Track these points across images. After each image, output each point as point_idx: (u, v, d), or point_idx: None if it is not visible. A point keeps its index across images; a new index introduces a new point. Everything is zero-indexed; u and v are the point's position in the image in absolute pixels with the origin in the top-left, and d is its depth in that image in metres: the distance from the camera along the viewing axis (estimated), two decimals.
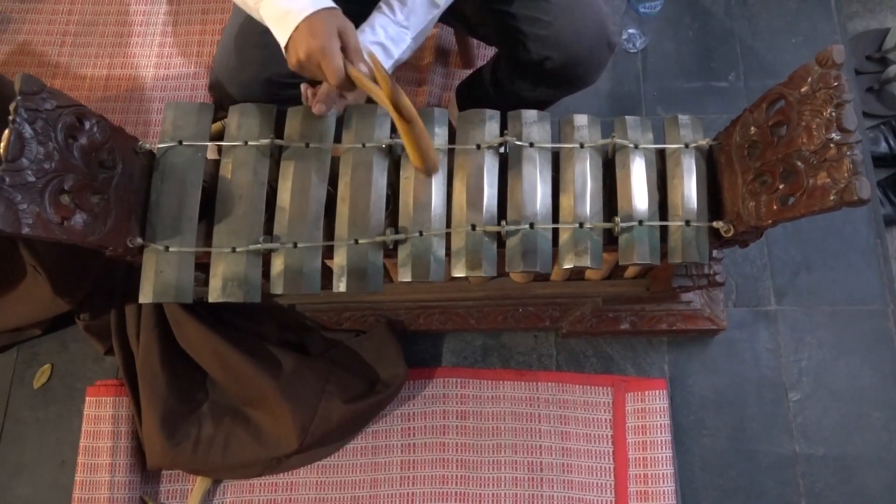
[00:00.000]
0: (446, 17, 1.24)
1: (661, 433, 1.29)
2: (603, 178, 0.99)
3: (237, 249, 0.93)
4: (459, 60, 1.62)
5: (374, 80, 0.84)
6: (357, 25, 0.98)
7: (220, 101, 1.09)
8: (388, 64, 1.02)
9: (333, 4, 0.89)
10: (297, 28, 0.87)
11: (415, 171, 0.95)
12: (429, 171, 0.90)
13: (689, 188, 0.96)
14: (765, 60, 1.61)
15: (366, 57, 0.86)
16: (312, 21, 0.86)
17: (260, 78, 1.03)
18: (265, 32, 1.04)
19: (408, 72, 1.61)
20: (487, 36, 1.26)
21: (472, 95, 1.39)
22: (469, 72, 1.48)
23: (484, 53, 1.60)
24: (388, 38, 1.00)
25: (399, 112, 0.83)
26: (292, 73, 1.04)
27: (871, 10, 1.84)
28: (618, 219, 0.94)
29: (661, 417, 1.30)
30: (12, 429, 1.37)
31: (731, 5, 1.66)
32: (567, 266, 0.94)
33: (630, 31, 1.59)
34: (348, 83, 0.86)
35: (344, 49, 0.86)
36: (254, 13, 0.95)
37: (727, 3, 1.67)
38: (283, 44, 0.89)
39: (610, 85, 1.60)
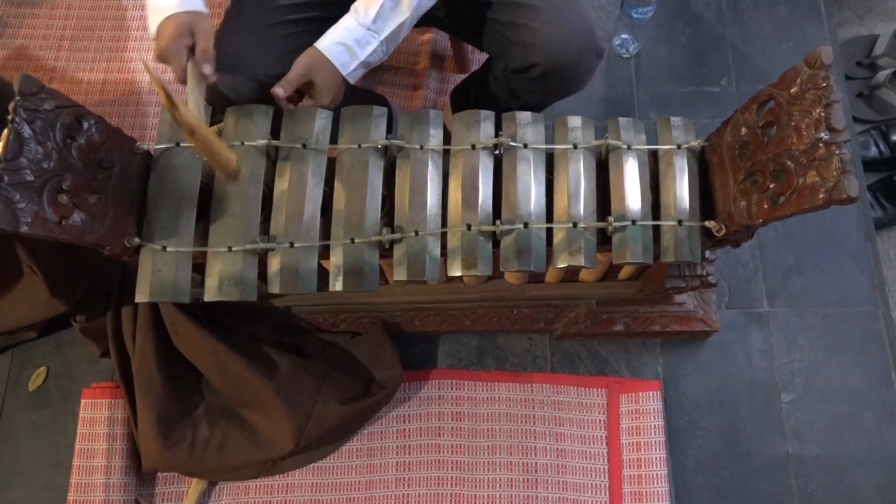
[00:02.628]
0: (436, 23, 1.26)
1: (654, 434, 1.30)
2: (596, 179, 1.00)
3: (233, 249, 0.94)
4: (454, 65, 1.63)
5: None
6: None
7: (212, 102, 1.10)
8: (353, 65, 1.03)
9: (201, 8, 0.97)
10: (160, 24, 0.95)
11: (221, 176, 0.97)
12: (228, 172, 0.95)
13: (681, 188, 0.97)
14: (756, 66, 1.63)
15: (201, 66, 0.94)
16: (169, 22, 0.95)
17: (251, 79, 1.04)
18: (255, 33, 1.06)
19: (403, 76, 1.62)
20: (477, 42, 1.27)
21: (466, 100, 1.40)
22: (464, 76, 1.49)
23: (479, 58, 1.61)
24: (354, 40, 1.03)
25: (179, 124, 0.88)
26: (282, 74, 1.06)
27: (861, 17, 1.86)
28: (611, 218, 0.95)
29: (654, 419, 1.31)
30: (7, 431, 1.36)
31: (723, 11, 1.68)
32: (561, 265, 0.95)
33: (623, 36, 1.61)
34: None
35: (192, 48, 0.94)
36: None
37: (719, 10, 1.69)
38: (151, 36, 0.98)
39: (603, 89, 1.62)
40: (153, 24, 0.96)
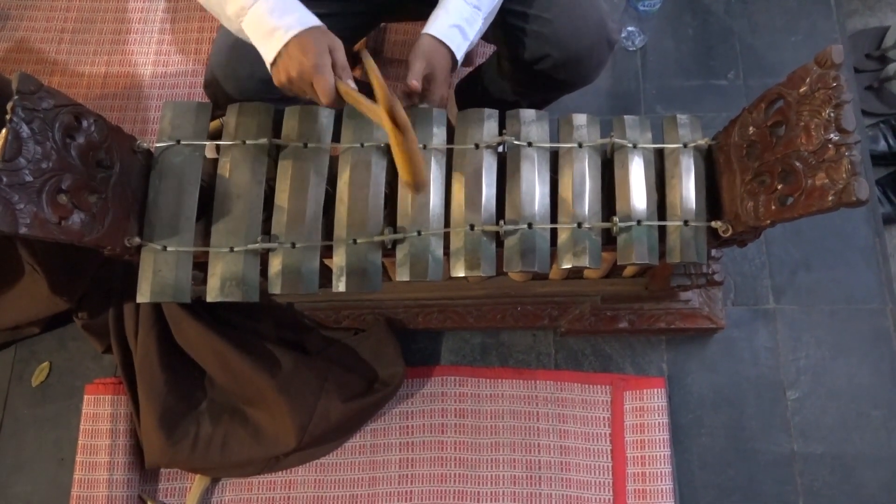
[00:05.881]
0: None
1: (659, 432, 1.29)
2: (601, 178, 0.99)
3: (235, 249, 0.93)
4: None
5: (366, 92, 0.82)
6: (368, 32, 0.97)
7: (216, 100, 1.09)
8: (465, 46, 0.99)
9: (320, 22, 0.89)
10: (286, 46, 0.86)
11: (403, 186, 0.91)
12: (418, 187, 0.88)
13: (687, 188, 0.96)
14: (764, 59, 1.61)
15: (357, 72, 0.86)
16: (303, 40, 0.86)
17: (255, 76, 1.03)
18: None
19: (407, 70, 1.60)
20: (487, 33, 1.26)
21: (471, 94, 1.39)
22: (469, 69, 1.47)
23: (484, 51, 1.60)
24: (464, 19, 0.99)
25: (394, 120, 0.82)
26: None
27: (871, 8, 1.83)
28: (616, 218, 0.94)
29: (659, 416, 1.30)
30: (11, 427, 1.37)
31: (731, 3, 1.66)
32: (565, 266, 0.95)
33: (629, 28, 1.59)
34: (339, 100, 0.86)
35: (333, 66, 0.86)
36: (231, 25, 0.93)
37: (727, 2, 1.66)
38: (269, 61, 0.89)
39: (609, 83, 1.60)
40: (274, 47, 0.87)
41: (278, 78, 0.89)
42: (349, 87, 0.85)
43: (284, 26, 0.86)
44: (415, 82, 0.94)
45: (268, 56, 0.89)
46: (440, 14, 0.99)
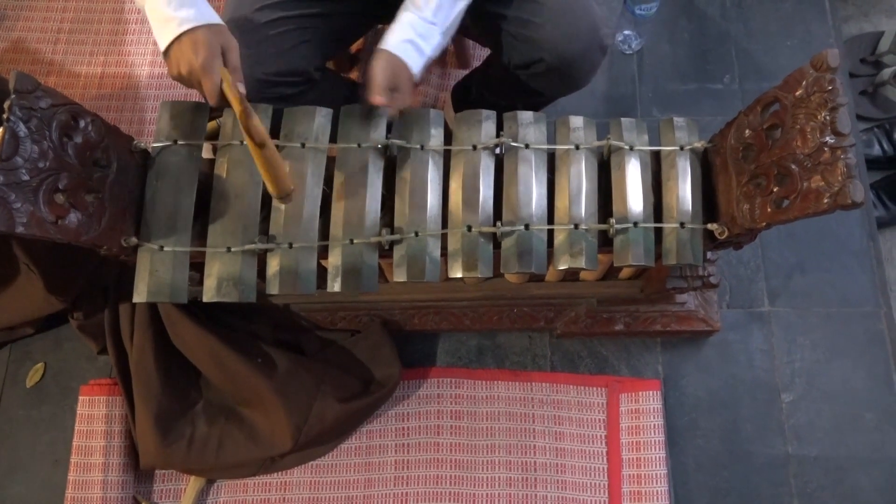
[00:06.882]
0: None
1: (654, 434, 1.29)
2: (598, 180, 0.99)
3: (232, 249, 0.93)
4: (456, 61, 1.62)
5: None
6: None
7: None
8: (421, 62, 1.00)
9: (219, 20, 0.90)
10: (178, 39, 0.87)
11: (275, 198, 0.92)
12: (282, 197, 0.89)
13: (683, 190, 0.96)
14: (760, 63, 1.62)
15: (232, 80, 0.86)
16: (196, 37, 0.86)
17: (250, 77, 1.03)
18: (255, 30, 1.04)
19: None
20: (480, 37, 1.26)
21: (467, 96, 1.39)
22: (465, 72, 1.48)
23: (480, 54, 1.60)
24: (418, 35, 0.99)
25: (249, 134, 0.83)
26: (283, 72, 1.04)
27: (866, 14, 1.85)
28: (613, 220, 0.95)
29: (654, 418, 1.30)
30: (5, 428, 1.36)
31: (727, 8, 1.67)
32: (562, 267, 0.95)
33: (626, 32, 1.60)
34: (223, 101, 0.87)
35: (226, 66, 0.87)
36: (137, 2, 0.94)
37: (723, 6, 1.67)
38: (161, 49, 0.89)
39: (606, 86, 1.60)
40: (166, 38, 0.87)
41: (170, 70, 0.89)
42: (235, 91, 0.85)
43: (179, 19, 0.86)
44: (378, 98, 0.95)
45: (160, 45, 0.89)
46: (395, 29, 1.00)
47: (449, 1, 1.01)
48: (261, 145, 0.83)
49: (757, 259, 1.45)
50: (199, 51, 0.85)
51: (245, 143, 0.96)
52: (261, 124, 0.83)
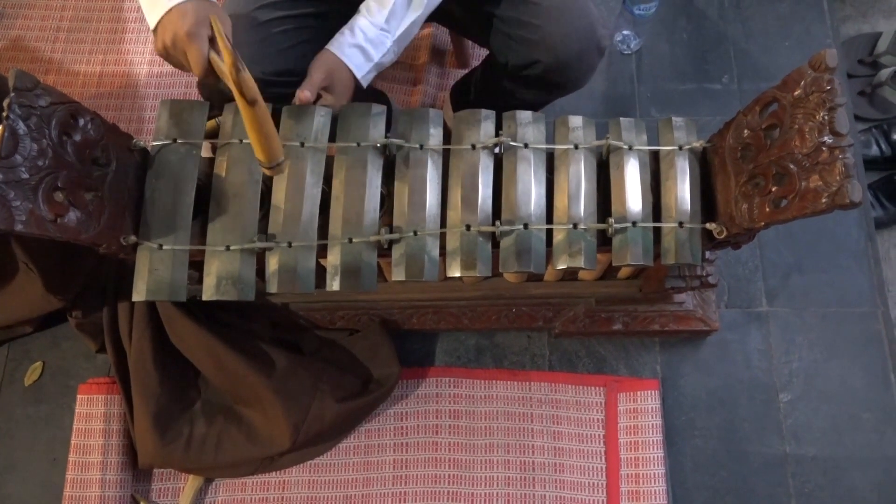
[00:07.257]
0: (438, 18, 1.25)
1: (652, 433, 1.30)
2: (597, 180, 0.99)
3: (231, 248, 0.93)
4: (455, 60, 1.62)
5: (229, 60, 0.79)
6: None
7: (210, 99, 1.09)
8: (367, 67, 1.02)
9: None
10: (168, 12, 0.86)
11: (264, 169, 0.89)
12: (271, 163, 0.86)
13: (682, 190, 0.96)
14: (758, 63, 1.62)
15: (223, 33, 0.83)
16: (184, 7, 0.86)
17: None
18: (254, 29, 1.04)
19: (403, 71, 1.61)
20: (478, 37, 1.26)
21: (465, 96, 1.39)
22: (464, 72, 1.48)
23: (479, 53, 1.60)
24: (367, 40, 1.01)
25: (241, 90, 0.79)
26: (282, 71, 1.04)
27: (864, 14, 1.85)
28: (612, 220, 0.95)
29: (652, 418, 1.30)
30: (3, 426, 1.36)
31: (725, 8, 1.67)
32: (561, 267, 0.95)
33: (625, 32, 1.60)
34: (211, 73, 0.86)
35: (212, 40, 0.86)
36: None
37: (721, 6, 1.67)
38: (151, 27, 0.89)
39: (604, 86, 1.61)
40: (155, 14, 0.87)
41: (157, 45, 0.89)
42: (226, 42, 0.81)
43: None
44: (306, 93, 0.96)
45: (150, 22, 0.88)
46: (345, 32, 1.01)
47: (403, 10, 1.02)
48: (252, 102, 0.80)
49: (755, 259, 1.45)
50: (187, 18, 0.84)
51: (244, 142, 0.96)
52: (252, 80, 0.80)
